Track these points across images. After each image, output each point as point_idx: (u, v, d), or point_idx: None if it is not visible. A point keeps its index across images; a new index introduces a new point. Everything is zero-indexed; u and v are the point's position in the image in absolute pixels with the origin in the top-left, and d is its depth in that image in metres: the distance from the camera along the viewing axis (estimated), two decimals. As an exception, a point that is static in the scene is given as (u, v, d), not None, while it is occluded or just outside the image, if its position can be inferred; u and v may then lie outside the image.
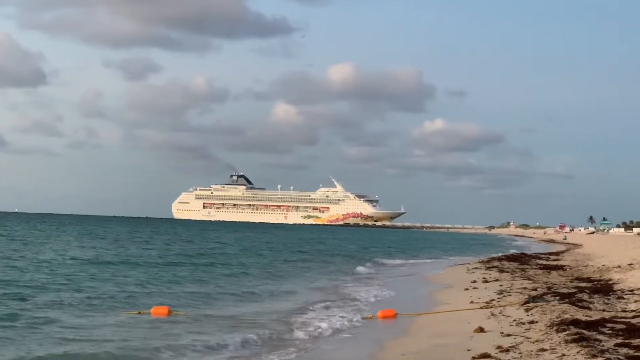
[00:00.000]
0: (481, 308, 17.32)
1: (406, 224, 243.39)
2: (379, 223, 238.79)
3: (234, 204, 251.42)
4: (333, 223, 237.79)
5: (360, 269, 36.65)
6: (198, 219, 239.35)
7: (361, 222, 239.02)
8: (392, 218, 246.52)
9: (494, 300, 18.86)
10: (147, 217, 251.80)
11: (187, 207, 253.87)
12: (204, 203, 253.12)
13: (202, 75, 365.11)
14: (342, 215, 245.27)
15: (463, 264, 39.58)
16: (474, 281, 25.90)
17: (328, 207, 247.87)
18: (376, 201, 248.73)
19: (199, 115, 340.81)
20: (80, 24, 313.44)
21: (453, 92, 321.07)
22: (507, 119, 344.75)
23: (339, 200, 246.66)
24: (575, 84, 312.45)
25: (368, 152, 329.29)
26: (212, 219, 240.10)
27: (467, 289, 23.04)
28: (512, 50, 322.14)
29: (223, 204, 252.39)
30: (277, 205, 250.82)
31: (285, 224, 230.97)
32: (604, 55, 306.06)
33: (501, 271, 31.05)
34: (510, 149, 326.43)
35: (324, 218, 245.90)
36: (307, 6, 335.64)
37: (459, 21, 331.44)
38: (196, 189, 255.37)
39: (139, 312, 17.84)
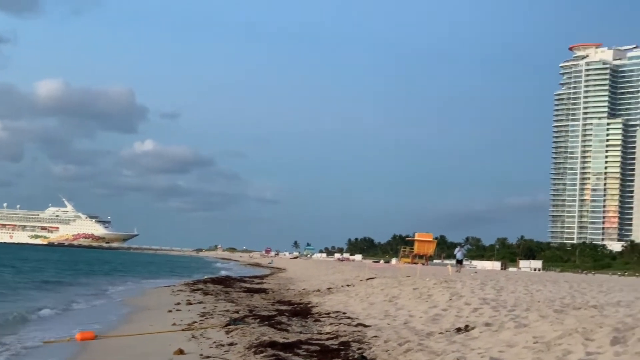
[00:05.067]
0: (183, 330, 16.06)
1: (113, 245, 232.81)
2: (115, 244, 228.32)
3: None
4: (64, 243, 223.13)
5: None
6: None
7: (94, 243, 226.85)
8: (124, 240, 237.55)
9: (196, 322, 17.72)
10: None
11: None
12: None
13: None
14: (73, 235, 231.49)
15: (168, 286, 37.84)
16: (178, 303, 24.56)
17: (58, 227, 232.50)
18: (108, 222, 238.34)
19: None
20: None
21: (165, 114, 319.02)
22: (219, 142, 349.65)
23: (69, 220, 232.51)
24: (286, 111, 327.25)
25: (76, 170, 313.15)
26: None
27: (170, 311, 21.65)
28: (226, 75, 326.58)
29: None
30: (2, 224, 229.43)
31: (11, 243, 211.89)
32: (317, 84, 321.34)
33: (205, 294, 30.05)
34: (219, 172, 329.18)
35: (54, 238, 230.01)
36: (15, 17, 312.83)
37: (174, 43, 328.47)
38: None
39: None
